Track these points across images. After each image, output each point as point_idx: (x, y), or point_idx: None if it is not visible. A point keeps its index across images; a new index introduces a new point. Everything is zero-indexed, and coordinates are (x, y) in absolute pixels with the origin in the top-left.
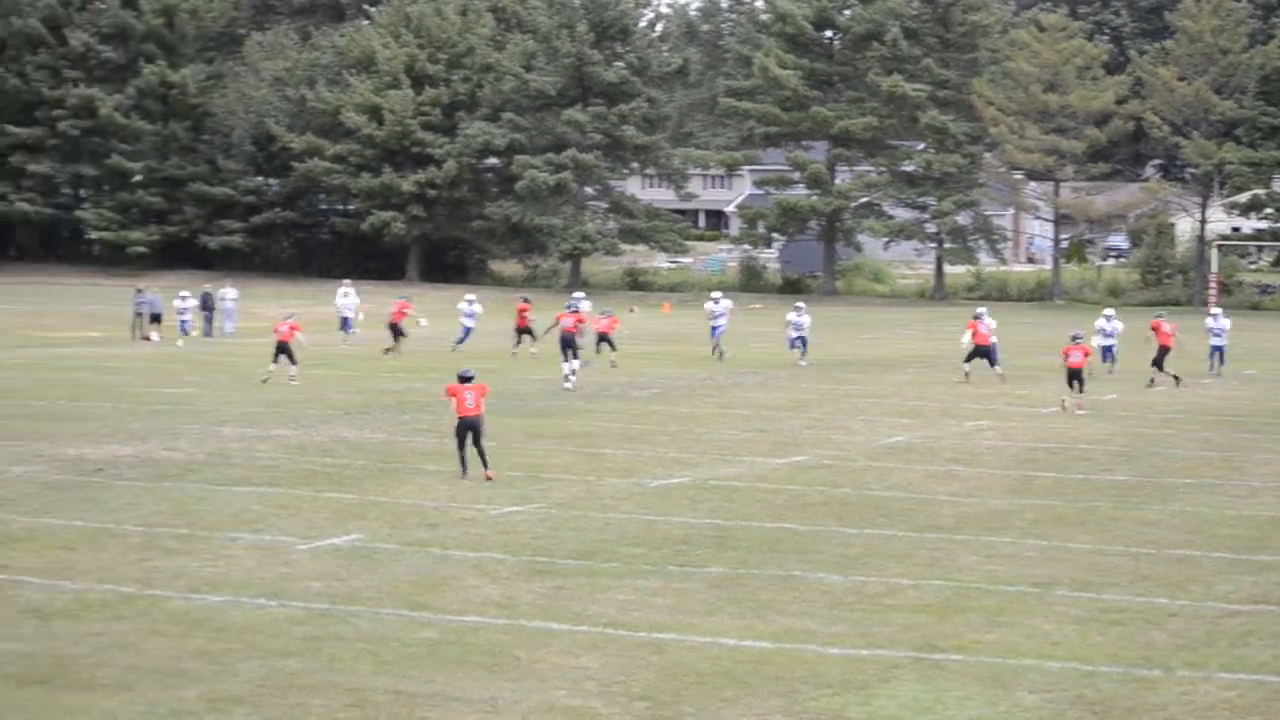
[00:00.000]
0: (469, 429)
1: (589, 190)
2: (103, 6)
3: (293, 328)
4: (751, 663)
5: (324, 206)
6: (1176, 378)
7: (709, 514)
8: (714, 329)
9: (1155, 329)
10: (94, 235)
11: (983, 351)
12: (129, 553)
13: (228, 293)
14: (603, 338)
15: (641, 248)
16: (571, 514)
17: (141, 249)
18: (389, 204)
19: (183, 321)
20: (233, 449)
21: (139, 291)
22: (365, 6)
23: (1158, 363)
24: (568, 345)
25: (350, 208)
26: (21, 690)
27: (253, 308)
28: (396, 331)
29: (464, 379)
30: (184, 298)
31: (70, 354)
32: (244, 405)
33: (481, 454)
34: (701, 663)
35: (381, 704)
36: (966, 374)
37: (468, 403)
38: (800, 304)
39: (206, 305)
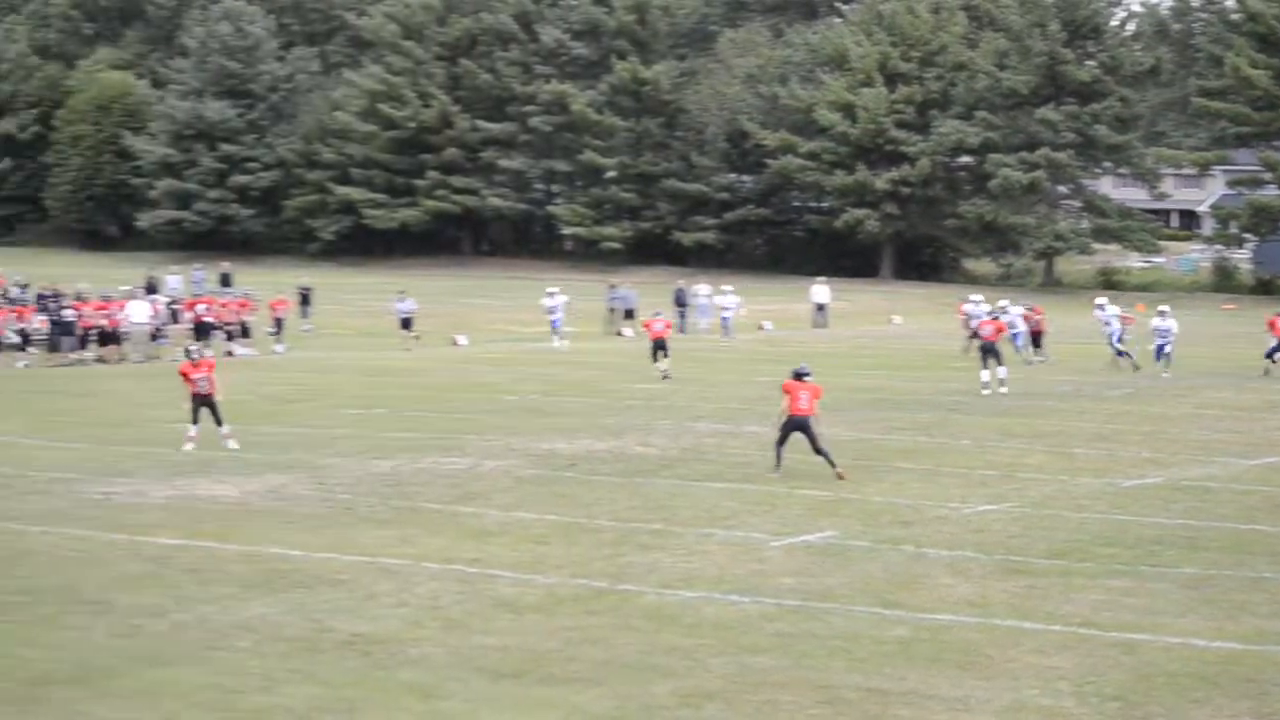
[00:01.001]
0: (797, 428)
1: (1061, 189)
2: (574, 3)
3: (666, 325)
4: (1222, 663)
5: (797, 204)
6: None
7: (1182, 514)
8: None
9: None
10: (567, 231)
11: None
12: (602, 548)
13: (700, 289)
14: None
15: (1114, 247)
16: (1044, 513)
17: (614, 245)
18: (863, 201)
19: (554, 321)
20: (706, 445)
21: (612, 287)
22: (837, 4)
23: None
24: (989, 353)
25: (824, 205)
26: (494, 684)
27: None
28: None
29: (800, 375)
30: (552, 294)
31: (543, 349)
32: (717, 401)
33: (826, 455)
34: (1172, 663)
35: (853, 701)
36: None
37: (801, 402)
38: (1164, 307)
39: (680, 302)
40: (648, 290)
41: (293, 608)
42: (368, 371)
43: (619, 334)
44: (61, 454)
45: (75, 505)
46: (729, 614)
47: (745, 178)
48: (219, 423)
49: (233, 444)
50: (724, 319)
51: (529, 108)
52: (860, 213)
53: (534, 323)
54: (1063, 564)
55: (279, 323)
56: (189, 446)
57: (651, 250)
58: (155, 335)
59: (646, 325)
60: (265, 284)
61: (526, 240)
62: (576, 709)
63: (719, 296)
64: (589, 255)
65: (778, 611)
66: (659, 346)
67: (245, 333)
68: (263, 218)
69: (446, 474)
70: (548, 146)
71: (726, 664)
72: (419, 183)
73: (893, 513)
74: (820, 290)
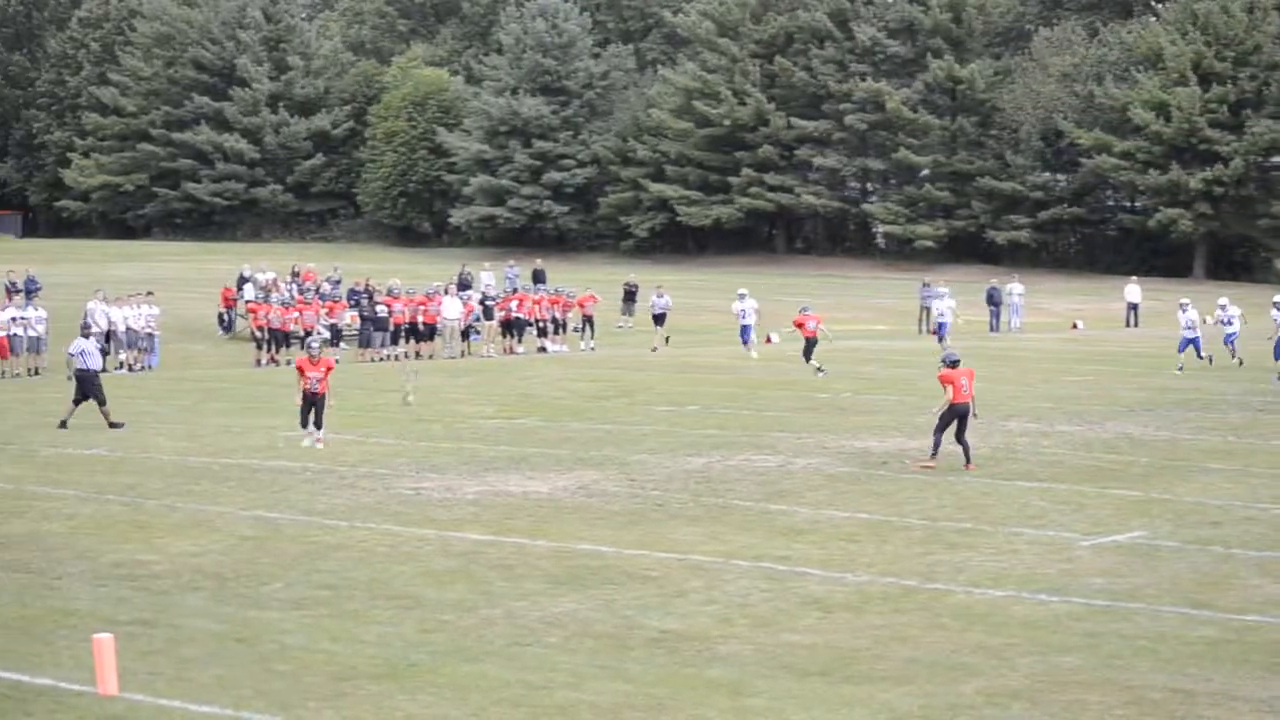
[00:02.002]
0: (959, 415)
1: None
2: (889, 1)
3: (818, 322)
4: None
5: (1111, 203)
6: None
7: None
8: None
9: None
10: (881, 229)
11: None
12: (911, 546)
13: (1014, 288)
14: None
15: None
16: None
17: (928, 243)
18: (1176, 201)
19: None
20: (1018, 444)
21: (925, 285)
22: (1153, 3)
23: None
24: None
25: (1137, 204)
26: (801, 681)
27: (1039, 303)
28: None
29: (954, 364)
30: (742, 296)
31: (856, 347)
32: (1030, 400)
33: (965, 445)
34: None
35: (1159, 702)
36: None
37: (965, 390)
38: None
39: (993, 300)
40: (960, 289)
41: (602, 604)
42: (679, 368)
43: (934, 332)
44: (371, 449)
45: (384, 500)
46: (1037, 613)
47: (1059, 176)
48: (319, 425)
49: (320, 445)
50: (941, 324)
51: (844, 105)
52: (1173, 212)
53: (847, 320)
54: None
55: (588, 320)
56: (307, 442)
57: (965, 249)
58: (467, 332)
59: (799, 324)
60: (578, 281)
61: (840, 238)
62: (884, 707)
63: (936, 301)
64: (902, 253)
65: (1085, 611)
66: (812, 345)
67: (558, 329)
68: (576, 215)
69: (757, 471)
70: (862, 144)
71: (1033, 663)
72: (733, 180)
73: (1202, 513)
74: (1133, 289)
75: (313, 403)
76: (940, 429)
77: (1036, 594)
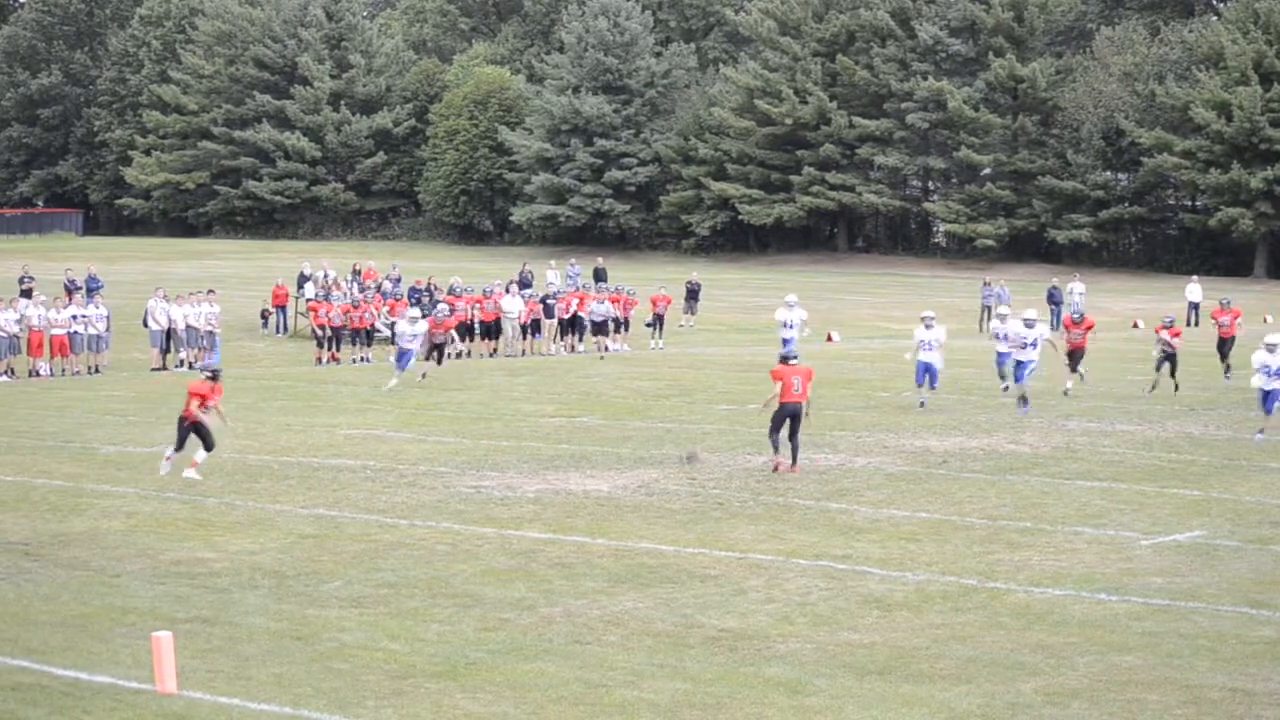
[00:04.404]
0: (790, 415)
1: None
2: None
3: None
4: None
5: (1171, 202)
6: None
7: None
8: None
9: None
10: (942, 228)
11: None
12: (971, 545)
13: (1075, 287)
14: None
15: None
16: None
17: (989, 242)
18: (1237, 200)
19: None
20: (1078, 443)
21: (986, 284)
22: (1214, 2)
23: None
24: None
25: (1198, 204)
26: (861, 680)
27: (1099, 302)
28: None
29: (787, 359)
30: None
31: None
32: (1089, 400)
33: (795, 446)
34: None
35: (1217, 701)
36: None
37: (795, 388)
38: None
39: (1053, 300)
40: (1021, 288)
41: (661, 603)
42: (741, 367)
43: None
44: (432, 447)
45: (445, 499)
46: (1096, 612)
47: (1120, 176)
48: (209, 447)
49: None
50: (787, 340)
51: (905, 104)
52: (1234, 211)
53: (907, 320)
54: None
55: (659, 319)
56: (166, 469)
57: (1025, 248)
58: (526, 330)
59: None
60: (640, 279)
61: (901, 237)
62: (943, 706)
63: (784, 311)
64: (963, 252)
65: (1145, 610)
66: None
67: (620, 328)
68: (638, 213)
69: (818, 470)
70: (924, 143)
71: (1092, 663)
72: (795, 179)
73: (1262, 512)
74: (1193, 289)
75: (198, 428)
76: (774, 429)
77: (1096, 593)
